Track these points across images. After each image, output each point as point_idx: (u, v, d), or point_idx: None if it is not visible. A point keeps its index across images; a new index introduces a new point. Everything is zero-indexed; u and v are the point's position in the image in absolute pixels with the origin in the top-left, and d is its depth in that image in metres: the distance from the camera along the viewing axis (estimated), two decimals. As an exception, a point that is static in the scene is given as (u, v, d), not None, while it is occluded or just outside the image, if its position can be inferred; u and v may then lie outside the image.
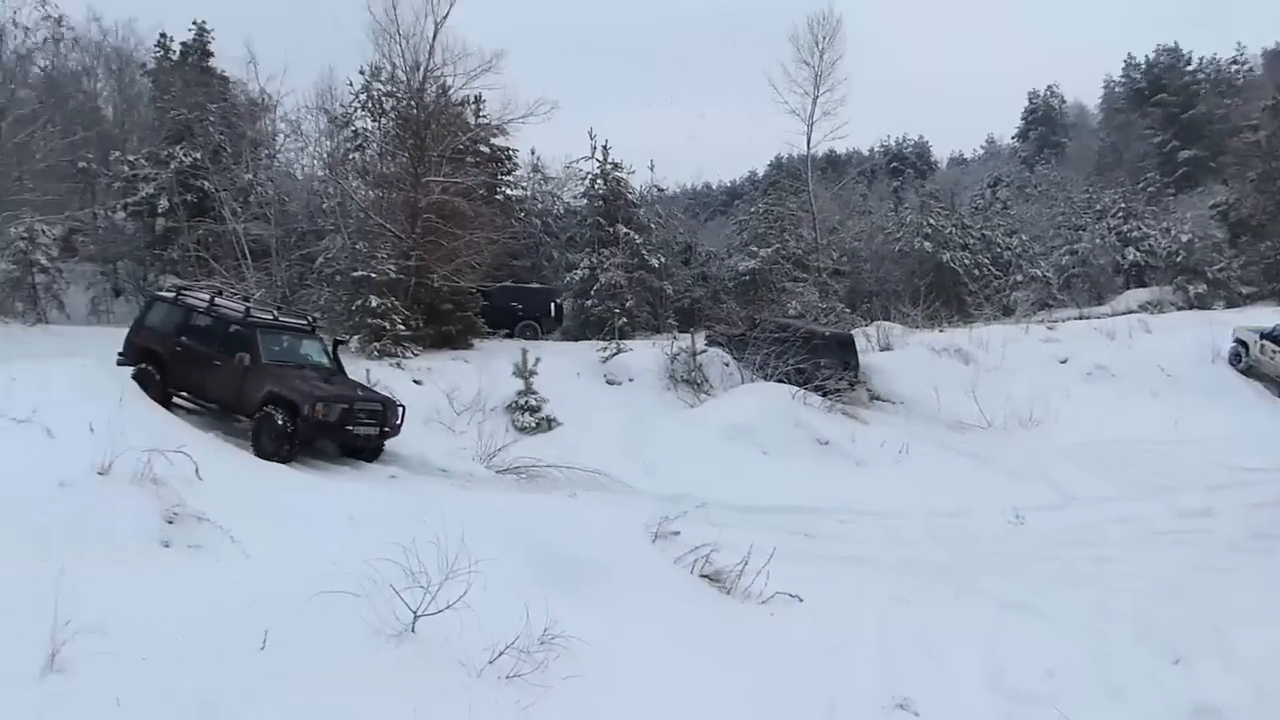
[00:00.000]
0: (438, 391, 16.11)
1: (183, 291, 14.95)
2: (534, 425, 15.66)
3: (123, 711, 4.79)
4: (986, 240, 36.64)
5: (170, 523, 7.39)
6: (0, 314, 21.13)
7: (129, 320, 25.62)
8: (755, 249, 32.08)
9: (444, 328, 21.29)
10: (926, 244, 34.04)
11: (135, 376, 13.37)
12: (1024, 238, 37.81)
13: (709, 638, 7.41)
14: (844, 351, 19.34)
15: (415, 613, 5.95)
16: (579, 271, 28.63)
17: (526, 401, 15.96)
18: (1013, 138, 73.60)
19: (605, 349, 19.54)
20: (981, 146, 75.13)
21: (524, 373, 16.22)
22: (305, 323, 15.06)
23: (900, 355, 21.22)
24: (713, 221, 46.65)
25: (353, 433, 13.00)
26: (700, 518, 10.22)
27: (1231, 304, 30.60)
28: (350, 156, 27.86)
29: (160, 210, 26.90)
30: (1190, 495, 13.52)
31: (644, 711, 5.93)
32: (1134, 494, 13.89)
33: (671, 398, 17.96)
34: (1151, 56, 64.76)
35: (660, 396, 17.86)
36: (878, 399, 19.23)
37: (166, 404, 13.35)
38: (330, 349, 14.77)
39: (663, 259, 30.42)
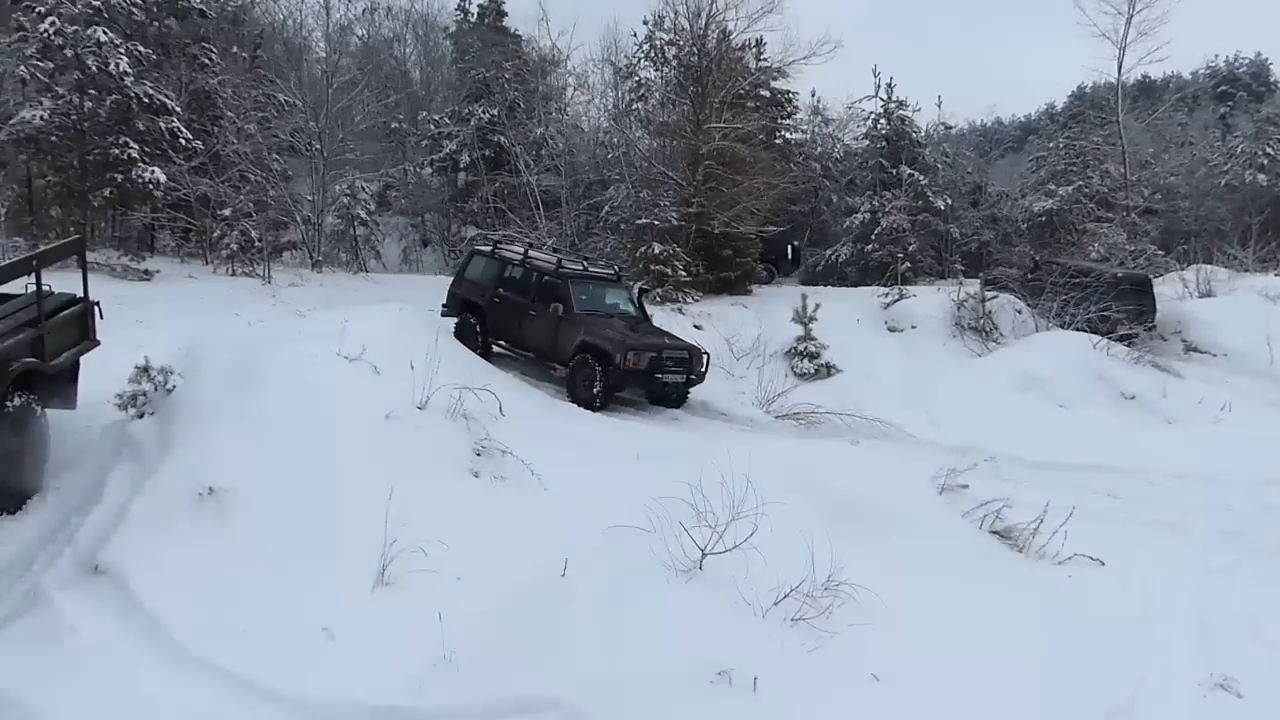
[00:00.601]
0: (718, 336, 16.34)
1: (499, 245, 15.75)
2: (813, 371, 15.52)
3: (443, 625, 5.34)
4: (1339, 169, 31.77)
5: (479, 455, 8.05)
6: (328, 263, 23.71)
7: (436, 269, 28.24)
8: (1053, 188, 29.71)
9: (723, 273, 21.55)
10: (1261, 176, 30.02)
11: (457, 327, 14.42)
12: (1390, 164, 32.41)
13: (999, 597, 7.09)
14: (1139, 295, 17.54)
15: (703, 550, 6.15)
16: (859, 215, 27.89)
17: (805, 348, 15.84)
18: (1376, 48, 62.97)
19: (887, 295, 18.94)
20: (1335, 61, 64.82)
21: (803, 319, 16.09)
22: (612, 273, 15.49)
23: (1224, 302, 18.93)
24: (1004, 160, 43.71)
25: (661, 380, 13.28)
26: (989, 471, 9.76)
27: None
28: (634, 107, 28.68)
29: (462, 165, 29.06)
30: None
31: (932, 667, 5.80)
32: None
33: (958, 346, 17.12)
34: None
35: (946, 344, 17.07)
36: (1195, 350, 17.28)
37: (487, 353, 14.25)
38: (636, 297, 15.16)
39: (949, 200, 28.97)
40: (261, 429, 7.04)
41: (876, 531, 7.32)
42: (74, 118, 19.24)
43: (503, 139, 28.00)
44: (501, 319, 14.41)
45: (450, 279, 19.70)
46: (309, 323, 11.13)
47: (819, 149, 34.22)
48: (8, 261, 8.10)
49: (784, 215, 25.96)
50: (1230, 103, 52.84)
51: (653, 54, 27.76)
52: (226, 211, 20.70)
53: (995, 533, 8.31)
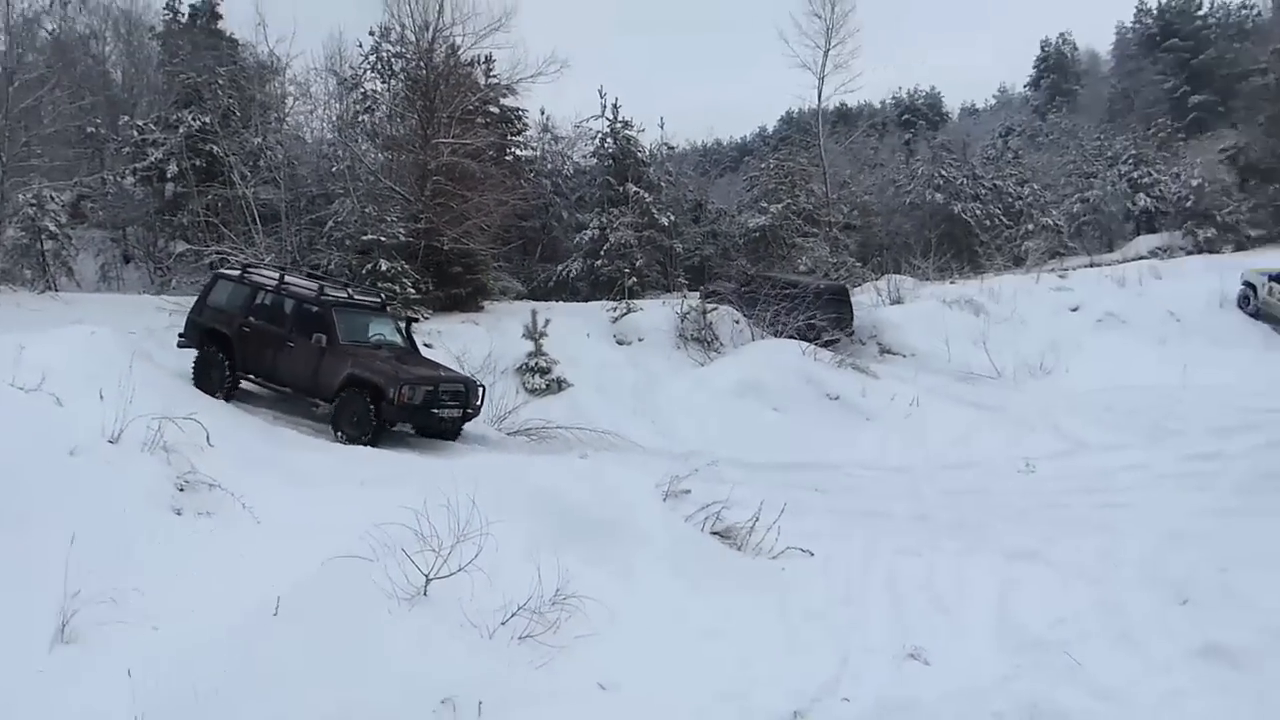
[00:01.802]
0: (448, 354, 16.16)
1: (249, 268, 14.47)
2: (544, 387, 15.71)
3: (134, 682, 4.89)
4: (998, 190, 36.29)
5: (181, 490, 7.47)
6: (8, 281, 21.15)
7: (139, 287, 25.91)
8: (766, 205, 31.85)
9: (454, 290, 21.31)
10: (938, 195, 33.78)
11: (199, 360, 13.15)
12: (1035, 186, 37.43)
13: (720, 594, 7.47)
14: (838, 304, 19.27)
15: (427, 575, 6.02)
16: (589, 231, 28.52)
17: (537, 363, 16.00)
18: (1025, 86, 72.71)
19: (615, 309, 19.52)
20: (994, 96, 74.34)
21: (534, 334, 16.25)
22: (378, 301, 14.61)
23: (911, 308, 21.13)
24: (723, 179, 46.33)
25: (437, 415, 12.59)
26: (711, 475, 10.27)
27: (1240, 247, 30.39)
28: (359, 119, 27.73)
29: (169, 175, 26.85)
30: (1198, 439, 13.50)
31: (657, 670, 6.00)
32: (1143, 440, 13.87)
33: (682, 356, 17.97)
34: (1163, 2, 63.68)
35: (670, 355, 17.86)
36: (889, 352, 19.18)
37: (235, 387, 13.12)
38: (404, 328, 14.33)
39: (672, 217, 30.28)
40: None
41: (604, 542, 7.48)
42: None
43: (216, 148, 26.13)
44: (253, 351, 13.16)
45: (156, 297, 18.14)
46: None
47: (549, 166, 34.68)
48: None
49: (515, 232, 26.09)
50: (912, 130, 58.95)
51: (379, 66, 27.02)
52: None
53: (716, 533, 8.74)
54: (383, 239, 19.90)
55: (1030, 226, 34.50)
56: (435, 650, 5.42)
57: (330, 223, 23.97)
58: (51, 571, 5.31)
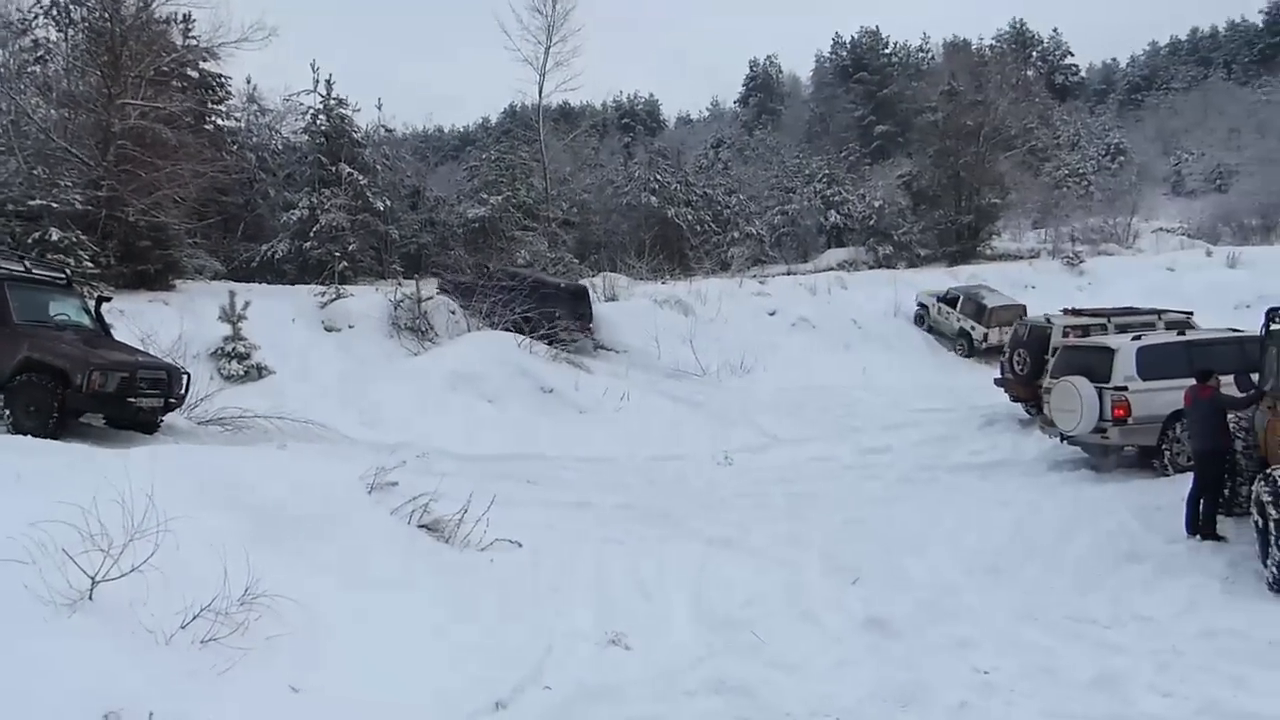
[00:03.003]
0: (132, 336, 14.63)
1: None
2: (242, 373, 14.68)
3: None
4: (708, 198, 38.35)
5: None
6: None
7: None
8: (486, 196, 31.67)
9: (141, 267, 19.41)
10: (653, 199, 35.13)
11: None
12: (742, 197, 39.95)
13: (427, 588, 7.32)
14: (577, 303, 19.61)
15: (93, 578, 5.41)
16: (297, 212, 27.03)
17: (234, 348, 14.91)
18: (735, 102, 77.39)
19: (324, 294, 18.63)
20: (707, 109, 78.61)
21: (231, 317, 15.13)
22: (61, 275, 12.70)
23: (625, 306, 21.85)
24: (444, 167, 45.62)
25: (134, 405, 11.19)
26: (421, 467, 10.07)
27: (912, 264, 34.13)
28: (29, 69, 24.58)
29: None
30: (873, 435, 15.01)
31: (357, 667, 5.78)
32: (828, 435, 15.21)
33: (394, 345, 17.48)
34: (855, 37, 70.24)
35: (383, 344, 17.33)
36: (603, 348, 19.71)
37: None
38: (93, 307, 12.60)
39: (389, 202, 29.38)
40: None
41: (303, 537, 7.11)
42: None
43: None
44: None
45: None
46: None
47: (255, 139, 32.52)
48: None
49: (214, 207, 24.20)
50: (631, 134, 61.05)
51: (55, 12, 24.11)
52: None
53: (424, 526, 8.54)
54: (54, 205, 17.76)
55: (736, 234, 36.77)
56: (100, 660, 4.88)
57: (-12, 184, 21.08)
58: None
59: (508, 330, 17.36)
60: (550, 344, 17.19)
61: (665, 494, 11.85)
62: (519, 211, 31.40)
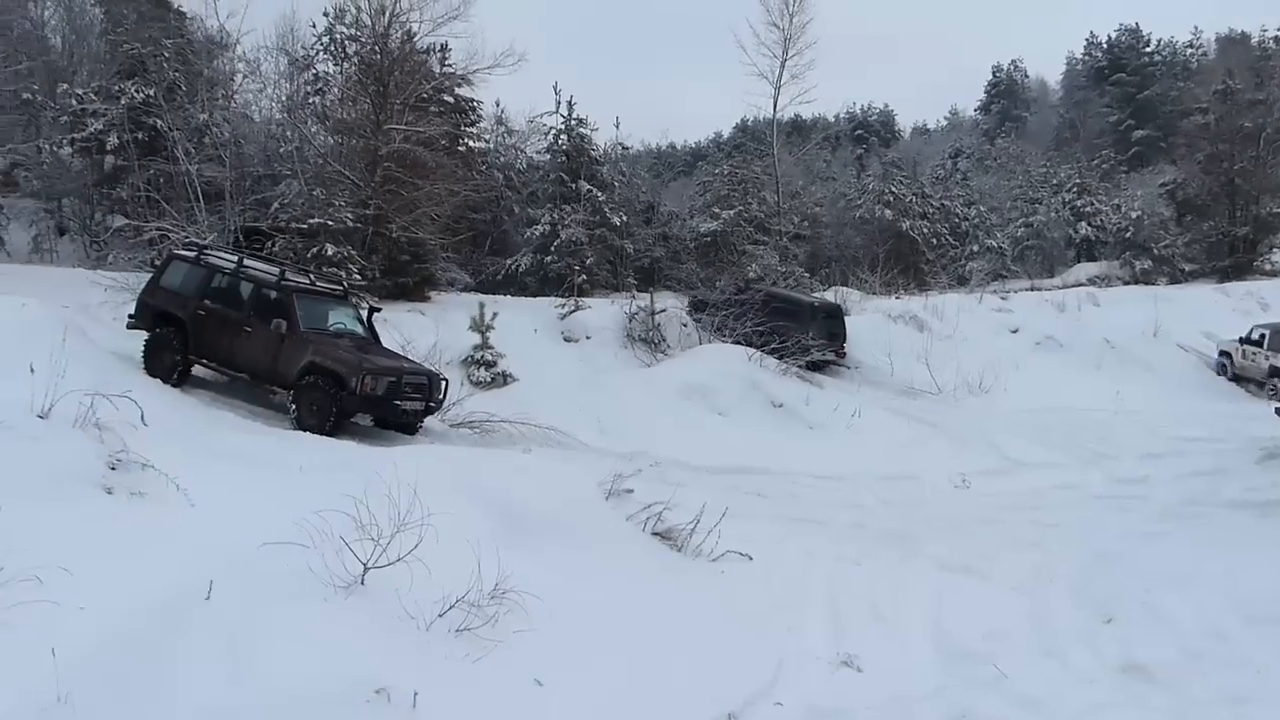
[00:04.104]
0: (393, 343, 15.89)
1: (206, 249, 13.84)
2: (489, 380, 15.59)
3: (58, 662, 4.72)
4: (945, 210, 36.98)
5: (113, 469, 7.21)
6: (-68, 251, 20.46)
7: (74, 260, 25.15)
8: (717, 210, 32.03)
9: (400, 279, 21.08)
10: (887, 212, 34.27)
11: (150, 342, 12.66)
12: (981, 209, 38.23)
13: (659, 594, 7.47)
14: (830, 321, 19.18)
15: (365, 565, 5.92)
16: (539, 227, 28.40)
17: (483, 356, 15.87)
18: (975, 110, 74.17)
19: (563, 306, 19.47)
20: (945, 118, 75.71)
21: (481, 327, 16.10)
22: (340, 288, 14.14)
23: (857, 321, 21.41)
24: (676, 182, 46.57)
25: (400, 407, 12.20)
26: (654, 476, 10.30)
27: (1174, 280, 31.30)
28: (310, 100, 27.32)
29: (109, 147, 26.14)
30: (1128, 463, 13.89)
31: (594, 668, 5.97)
32: (1076, 461, 14.22)
33: (628, 356, 17.98)
34: (1113, 36, 65.53)
35: (617, 355, 17.87)
36: (833, 364, 19.41)
37: (186, 372, 12.68)
38: (366, 317, 13.89)
39: (624, 217, 30.29)
40: None
41: (546, 538, 7.44)
42: None
43: (159, 122, 25.49)
44: (208, 335, 12.65)
45: (91, 272, 17.63)
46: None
47: (502, 159, 34.48)
48: None
49: (465, 223, 25.87)
50: (865, 145, 59.87)
51: (332, 48, 26.68)
52: None
53: (657, 534, 8.75)
54: (329, 223, 19.60)
55: (975, 248, 35.22)
56: (371, 640, 5.32)
57: (276, 204, 23.54)
58: (-27, 547, 5.10)
59: (739, 344, 17.46)
60: (780, 359, 17.11)
61: (899, 515, 11.50)
62: (750, 225, 31.53)
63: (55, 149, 28.49)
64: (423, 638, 5.59)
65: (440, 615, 5.73)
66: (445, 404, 13.08)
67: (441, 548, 6.11)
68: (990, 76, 73.29)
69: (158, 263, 20.33)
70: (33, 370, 7.45)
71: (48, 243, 26.84)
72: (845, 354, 19.02)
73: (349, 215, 20.03)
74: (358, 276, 19.06)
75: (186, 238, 20.01)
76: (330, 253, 18.90)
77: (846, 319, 20.85)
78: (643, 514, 8.82)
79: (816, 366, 18.20)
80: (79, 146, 27.11)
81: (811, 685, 6.57)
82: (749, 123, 53.84)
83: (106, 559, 5.73)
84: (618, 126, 39.15)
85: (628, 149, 36.36)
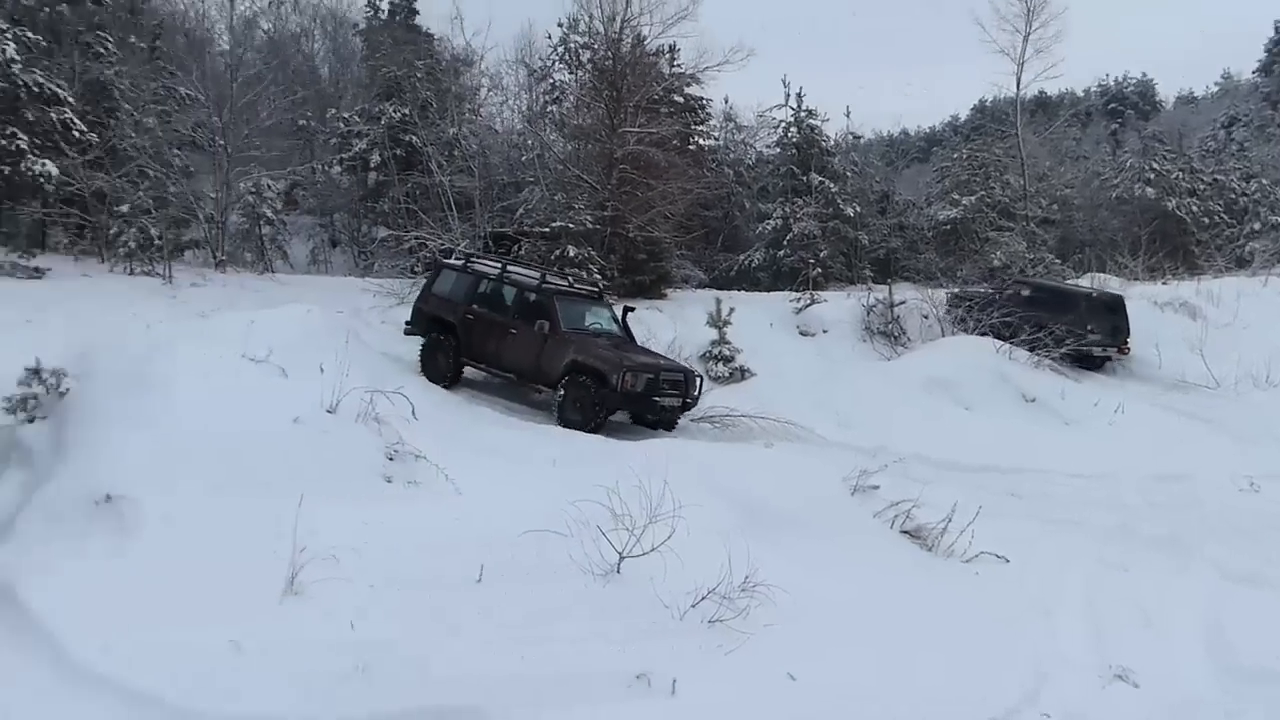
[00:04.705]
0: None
1: (472, 258, 14.78)
2: (727, 375, 15.71)
3: (356, 634, 5.20)
4: (1219, 185, 33.47)
5: (391, 459, 7.86)
6: (233, 263, 22.97)
7: (345, 269, 27.60)
8: (956, 197, 30.61)
9: (638, 277, 21.63)
10: (1149, 190, 31.47)
11: (426, 346, 13.66)
12: (1264, 182, 34.28)
13: (910, 594, 7.25)
14: (1114, 316, 17.71)
15: (621, 554, 6.14)
16: (771, 222, 28.27)
17: (720, 351, 16.02)
18: (1253, 73, 66.59)
19: (798, 300, 19.30)
20: (1215, 83, 68.40)
21: (718, 323, 16.26)
22: (595, 289, 14.76)
23: (1119, 310, 19.79)
24: (910, 169, 44.95)
25: (659, 403, 12.55)
26: (899, 472, 10.01)
27: None
28: (548, 109, 28.60)
29: (372, 164, 28.48)
30: None
31: (846, 666, 5.88)
32: (1396, 465, 12.51)
33: (866, 349, 17.59)
34: None
35: (854, 348, 17.52)
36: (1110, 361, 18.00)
37: (459, 374, 13.58)
38: (620, 316, 14.30)
39: (858, 208, 29.61)
40: (162, 432, 6.76)
41: (792, 532, 7.42)
42: (-46, 107, 18.26)
43: (414, 139, 27.54)
44: (477, 338, 13.44)
45: (360, 280, 19.21)
46: (212, 324, 10.76)
47: (732, 155, 34.57)
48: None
49: (698, 220, 26.18)
50: (1120, 119, 55.33)
51: (567, 57, 27.73)
52: (124, 208, 19.81)
53: (906, 532, 8.51)
54: (570, 225, 20.40)
55: (1256, 225, 31.61)
56: (628, 626, 5.51)
57: (520, 210, 24.80)
58: (281, 528, 5.71)
59: (983, 336, 16.63)
60: (1032, 350, 16.12)
61: (1170, 517, 10.57)
62: (993, 211, 29.94)
63: (326, 169, 31.46)
64: (677, 627, 5.72)
65: (693, 606, 5.85)
66: (699, 401, 13.23)
67: (692, 539, 6.24)
68: (1272, 34, 65.76)
69: (417, 269, 22.09)
70: (322, 370, 8.24)
71: (323, 254, 29.61)
72: (1129, 350, 17.47)
73: (588, 217, 20.77)
74: (598, 276, 19.74)
75: (442, 244, 21.54)
76: (572, 254, 19.68)
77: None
78: (890, 511, 8.61)
79: (1087, 362, 16.92)
80: (346, 165, 29.74)
81: (1079, 697, 6.17)
82: (988, 103, 51.08)
83: (391, 542, 6.24)
84: (848, 116, 38.10)
85: (859, 138, 35.45)
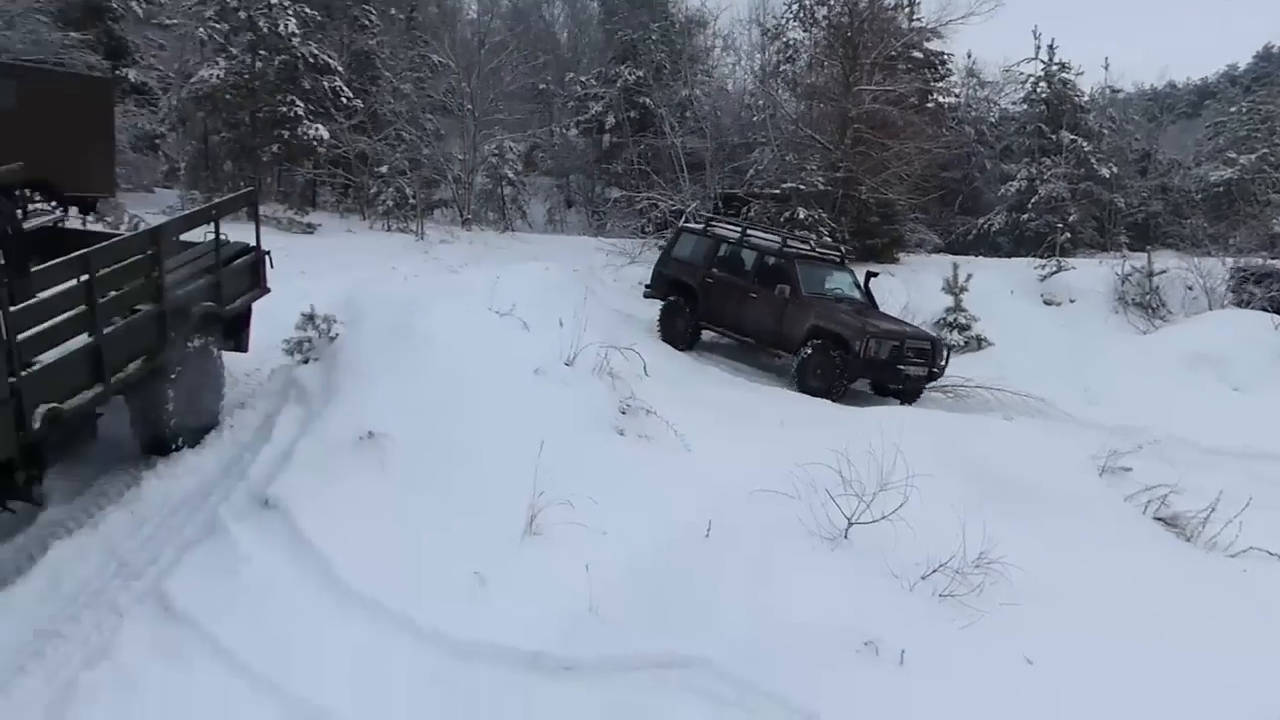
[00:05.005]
0: (862, 304, 16.00)
1: (711, 222, 14.74)
2: (963, 344, 14.99)
3: (590, 576, 5.41)
4: None
5: (623, 413, 8.10)
6: (477, 221, 24.29)
7: (579, 229, 28.55)
8: (1233, 155, 27.59)
9: (869, 240, 20.99)
10: None
11: (665, 309, 13.85)
12: None
13: (1164, 586, 6.67)
14: None
15: (850, 519, 6.04)
16: (1015, 183, 26.63)
17: (955, 319, 15.32)
18: None
19: (1043, 266, 18.12)
20: None
21: (954, 289, 15.55)
22: (836, 253, 14.40)
23: None
24: (1176, 126, 40.88)
25: (903, 372, 12.00)
26: (1155, 454, 9.26)
27: None
28: (781, 69, 28.14)
29: (607, 127, 29.20)
30: None
31: (1088, 654, 5.51)
32: None
33: (1119, 321, 16.26)
34: None
35: (1106, 320, 16.23)
36: None
37: (696, 336, 13.69)
38: (863, 282, 13.86)
39: (1114, 169, 27.29)
40: (418, 378, 7.29)
41: (1032, 510, 7.02)
42: (246, 77, 20.25)
43: (648, 101, 27.95)
44: (715, 301, 13.42)
45: (593, 239, 19.79)
46: (461, 278, 11.47)
47: (973, 113, 32.74)
48: (189, 211, 8.54)
49: (934, 182, 25.03)
50: None
51: (801, 15, 27.09)
52: (383, 169, 21.42)
53: (1160, 519, 7.87)
54: (801, 187, 20.08)
55: None
56: (856, 593, 5.43)
57: (750, 171, 24.65)
58: (522, 472, 6.02)
59: (1264, 310, 14.97)
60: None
61: None
62: (1277, 171, 26.82)
63: (564, 131, 32.55)
64: (906, 598, 5.57)
65: (923, 578, 5.67)
66: (945, 371, 12.60)
67: (924, 509, 6.04)
68: None
69: (648, 229, 22.50)
70: (561, 325, 8.57)
71: (559, 214, 30.77)
72: None
73: (819, 179, 20.36)
74: (828, 239, 19.34)
75: (673, 205, 21.80)
76: (802, 216, 19.38)
77: None
78: (1143, 495, 7.98)
79: None
80: (582, 128, 30.67)
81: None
82: (1274, 50, 45.80)
83: (622, 493, 6.46)
84: (1106, 68, 34.94)
85: (1117, 92, 32.55)
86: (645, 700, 4.64)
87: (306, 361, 8.23)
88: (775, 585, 5.35)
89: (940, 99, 30.38)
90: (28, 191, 8.30)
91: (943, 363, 12.45)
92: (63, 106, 14.16)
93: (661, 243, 21.00)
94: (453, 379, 7.31)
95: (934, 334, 13.14)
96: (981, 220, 27.91)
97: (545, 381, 7.88)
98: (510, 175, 25.60)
